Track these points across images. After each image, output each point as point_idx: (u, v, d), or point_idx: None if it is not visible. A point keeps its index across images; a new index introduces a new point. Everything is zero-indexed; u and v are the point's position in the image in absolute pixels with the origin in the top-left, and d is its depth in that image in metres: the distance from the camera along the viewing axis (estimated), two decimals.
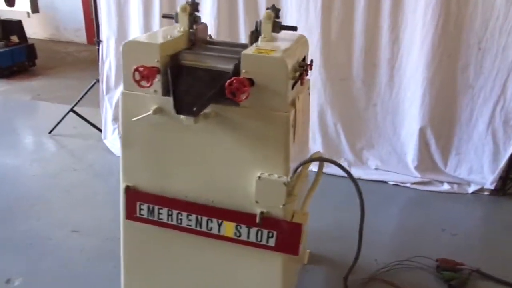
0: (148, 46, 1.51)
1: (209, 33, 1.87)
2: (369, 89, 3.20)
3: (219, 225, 1.67)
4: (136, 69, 1.46)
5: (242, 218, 1.62)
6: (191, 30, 1.70)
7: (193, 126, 1.52)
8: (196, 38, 1.71)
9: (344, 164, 3.24)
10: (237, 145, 1.55)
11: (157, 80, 1.52)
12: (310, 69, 1.74)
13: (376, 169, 3.34)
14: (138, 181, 1.75)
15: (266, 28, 1.60)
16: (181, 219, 1.71)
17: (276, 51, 1.45)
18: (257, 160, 1.55)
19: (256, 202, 1.57)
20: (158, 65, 1.51)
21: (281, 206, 1.53)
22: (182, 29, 1.68)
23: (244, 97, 1.38)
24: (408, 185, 3.24)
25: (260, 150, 1.53)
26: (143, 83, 1.47)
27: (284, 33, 1.73)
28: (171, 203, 1.70)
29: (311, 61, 1.73)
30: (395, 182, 3.27)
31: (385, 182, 3.29)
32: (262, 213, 1.58)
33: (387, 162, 3.34)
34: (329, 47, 3.10)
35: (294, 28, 1.66)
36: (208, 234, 1.69)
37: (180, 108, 1.44)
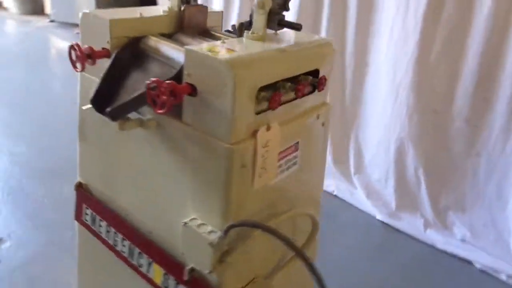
0: (99, 22, 1.19)
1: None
2: (473, 132, 2.38)
3: (149, 264, 1.29)
4: (71, 47, 1.15)
5: (172, 266, 1.21)
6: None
7: (134, 133, 1.17)
8: (184, 22, 1.33)
9: (418, 222, 2.54)
10: (177, 170, 1.14)
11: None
12: (320, 88, 1.21)
13: (462, 240, 2.50)
14: (90, 181, 1.47)
15: (258, 21, 1.13)
16: (116, 240, 1.38)
17: (232, 53, 0.99)
18: (194, 198, 1.12)
19: (182, 253, 1.15)
20: (108, 46, 1.19)
21: (206, 271, 1.08)
22: (168, 9, 1.32)
23: (162, 109, 0.96)
24: (503, 276, 2.32)
25: (199, 186, 1.10)
26: (77, 65, 1.16)
27: (293, 33, 1.24)
28: (112, 218, 1.38)
29: (323, 77, 1.20)
30: (485, 267, 2.37)
31: (470, 262, 2.42)
32: (192, 269, 1.15)
33: (479, 236, 2.47)
34: (427, 64, 2.36)
35: (296, 27, 1.15)
36: (137, 270, 1.33)
37: (95, 104, 1.09)
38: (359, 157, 2.81)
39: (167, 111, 0.96)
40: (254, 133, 1.04)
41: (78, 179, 1.50)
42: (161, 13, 1.31)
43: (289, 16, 1.17)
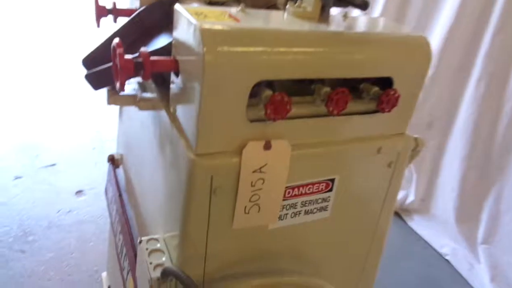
0: None
1: None
2: None
3: (128, 272, 1.06)
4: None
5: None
6: None
7: (141, 114, 0.95)
8: None
9: None
10: (159, 169, 0.87)
11: None
12: (384, 108, 0.77)
13: None
14: (120, 155, 1.33)
15: None
16: (116, 228, 1.20)
17: (230, 22, 0.65)
18: (165, 211, 0.84)
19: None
20: (137, 4, 0.98)
21: None
22: None
23: (118, 85, 0.70)
24: None
25: (169, 200, 0.81)
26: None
27: (370, 20, 0.83)
28: (121, 201, 1.21)
29: (392, 92, 0.76)
30: None
31: None
32: None
33: None
34: None
35: (363, 5, 0.74)
36: (121, 271, 1.12)
37: (86, 64, 0.88)
38: (495, 221, 2.08)
39: (121, 90, 0.69)
40: (242, 149, 0.69)
41: (114, 152, 1.38)
42: None
43: None
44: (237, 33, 0.64)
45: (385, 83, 0.78)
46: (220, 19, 0.66)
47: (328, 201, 0.84)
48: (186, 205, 0.71)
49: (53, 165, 2.29)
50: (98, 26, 0.98)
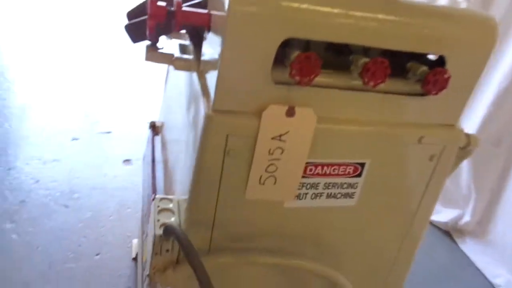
0: None
1: None
2: None
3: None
4: None
5: None
6: None
7: (181, 75, 0.94)
8: None
9: None
10: (185, 127, 0.85)
11: None
12: (431, 89, 0.68)
13: None
14: (162, 122, 1.34)
15: None
16: (145, 193, 1.20)
17: None
18: (182, 169, 0.81)
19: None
20: None
21: (146, 274, 0.77)
22: None
23: (148, 34, 0.68)
24: None
25: (186, 157, 0.78)
26: None
27: None
28: (153, 166, 1.21)
29: (441, 72, 0.66)
30: None
31: None
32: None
33: None
34: None
35: None
36: (142, 236, 1.13)
37: (128, 17, 0.88)
38: None
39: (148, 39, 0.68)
40: (259, 106, 0.64)
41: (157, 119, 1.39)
42: None
43: None
44: None
45: (436, 64, 0.70)
46: None
47: (355, 188, 0.76)
48: (197, 163, 0.67)
49: (109, 132, 2.39)
50: None
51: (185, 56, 0.89)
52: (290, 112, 0.65)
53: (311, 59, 0.59)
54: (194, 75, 0.78)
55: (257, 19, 0.58)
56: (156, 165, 1.16)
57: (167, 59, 0.88)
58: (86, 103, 2.66)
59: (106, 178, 2.04)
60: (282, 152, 0.67)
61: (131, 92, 2.92)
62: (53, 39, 3.53)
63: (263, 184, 0.70)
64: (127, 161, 2.20)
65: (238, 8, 0.57)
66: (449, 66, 0.68)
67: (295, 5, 0.59)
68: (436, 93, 0.68)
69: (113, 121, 2.52)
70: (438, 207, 2.02)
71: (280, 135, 0.66)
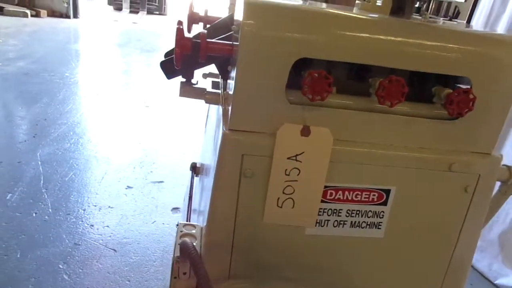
0: None
1: None
2: None
3: None
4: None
5: None
6: None
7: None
8: None
9: None
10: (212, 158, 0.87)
11: None
12: (456, 111, 0.65)
13: None
14: (202, 163, 1.38)
15: None
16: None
17: (279, 1, 0.63)
18: (207, 197, 0.82)
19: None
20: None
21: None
22: None
23: (175, 63, 0.73)
24: None
25: (210, 181, 0.79)
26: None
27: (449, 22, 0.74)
28: (189, 204, 1.23)
29: (466, 91, 0.64)
30: None
31: None
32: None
33: None
34: None
35: None
36: None
37: (165, 57, 0.95)
38: None
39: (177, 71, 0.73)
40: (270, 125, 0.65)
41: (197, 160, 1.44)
42: None
43: None
44: (282, 9, 0.63)
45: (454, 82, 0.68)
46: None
47: (381, 217, 0.72)
48: (215, 185, 0.69)
49: (161, 182, 2.49)
50: (189, 32, 1.07)
51: (215, 90, 0.94)
52: (305, 132, 0.65)
53: (322, 76, 0.60)
54: (221, 106, 0.83)
55: (269, 42, 0.61)
56: (192, 202, 1.19)
57: (199, 94, 0.94)
58: (142, 154, 2.83)
59: (154, 225, 2.10)
60: (299, 173, 0.67)
61: (183, 143, 3.06)
62: (113, 97, 3.87)
63: (281, 207, 0.69)
64: (175, 209, 2.26)
65: (250, 31, 0.61)
66: (475, 88, 0.66)
67: (306, 27, 0.62)
68: (462, 115, 0.65)
69: (166, 171, 2.64)
70: None
71: (296, 155, 0.66)
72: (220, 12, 1.14)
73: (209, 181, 0.79)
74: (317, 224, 0.71)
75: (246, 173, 0.67)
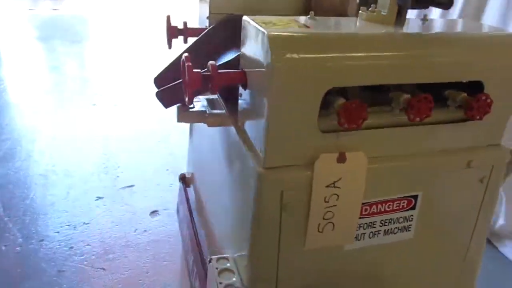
0: None
1: None
2: None
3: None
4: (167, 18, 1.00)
5: None
6: None
7: (214, 130, 0.95)
8: (312, 3, 1.01)
9: None
10: (231, 183, 0.85)
11: None
12: (476, 115, 0.68)
13: None
14: (191, 173, 1.34)
15: None
16: (188, 246, 1.20)
17: (299, 28, 0.62)
18: (235, 227, 0.81)
19: None
20: (207, 23, 1.00)
21: None
22: None
23: (186, 98, 0.69)
24: None
25: (239, 215, 0.78)
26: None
27: (452, 21, 0.76)
28: (191, 220, 1.21)
29: (484, 97, 0.67)
30: None
31: None
32: None
33: None
34: None
35: (447, 3, 0.67)
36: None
37: (157, 83, 0.90)
38: None
39: (187, 106, 0.69)
40: (314, 161, 0.65)
41: (185, 171, 1.40)
42: None
43: None
44: (307, 39, 0.61)
45: (472, 88, 0.70)
46: (289, 26, 0.64)
47: (411, 221, 0.76)
48: (255, 223, 0.68)
49: (131, 186, 2.40)
50: (170, 47, 1.01)
51: (217, 112, 0.90)
52: (342, 158, 0.65)
53: (358, 105, 0.60)
54: (232, 130, 0.80)
55: (301, 74, 0.59)
56: (195, 220, 1.16)
57: (200, 117, 0.90)
58: (103, 159, 2.69)
59: (136, 233, 2.04)
60: (337, 198, 0.67)
61: (146, 142, 2.95)
62: (53, 100, 3.61)
63: (322, 232, 0.70)
64: (154, 212, 2.20)
65: (282, 64, 0.58)
66: (488, 90, 0.69)
67: (336, 54, 0.60)
68: (481, 118, 0.68)
69: (134, 174, 2.54)
70: None
71: (334, 182, 0.66)
72: (198, 22, 1.08)
73: (238, 212, 0.77)
74: (355, 239, 0.73)
75: (287, 208, 0.66)
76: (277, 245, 0.69)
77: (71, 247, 1.92)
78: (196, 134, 1.26)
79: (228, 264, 0.78)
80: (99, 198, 2.28)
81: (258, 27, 0.62)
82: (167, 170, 2.63)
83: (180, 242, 1.87)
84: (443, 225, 0.79)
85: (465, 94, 0.69)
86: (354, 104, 0.59)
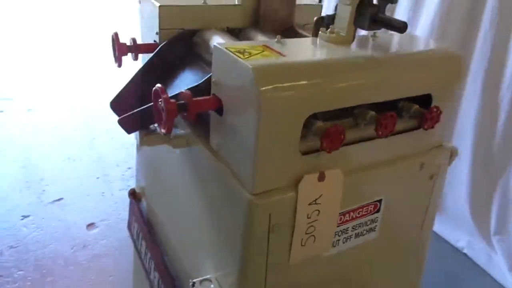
0: (151, 9, 0.97)
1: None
2: None
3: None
4: (113, 37, 0.95)
5: None
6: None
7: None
8: (260, 15, 1.03)
9: None
10: (201, 206, 0.85)
11: None
12: (427, 125, 0.77)
13: None
14: (142, 190, 1.30)
15: (342, 15, 0.76)
16: (149, 265, 1.17)
17: (275, 57, 0.64)
18: (215, 249, 0.82)
19: None
20: (157, 39, 0.96)
21: None
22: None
23: (163, 129, 0.68)
24: None
25: (220, 237, 0.79)
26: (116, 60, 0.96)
27: (400, 38, 0.83)
28: (151, 237, 1.18)
29: (434, 108, 0.76)
30: None
31: None
32: None
33: None
34: None
35: (397, 25, 0.73)
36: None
37: (115, 108, 0.87)
38: (505, 214, 2.10)
39: (168, 132, 0.68)
40: (297, 182, 0.68)
41: (134, 186, 1.35)
42: (232, 3, 1.03)
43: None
44: (288, 69, 0.63)
45: (421, 100, 0.78)
46: (265, 55, 0.65)
47: (376, 222, 0.83)
48: (245, 245, 0.69)
49: (60, 199, 2.23)
50: (120, 65, 0.96)
51: (182, 132, 0.89)
52: (321, 177, 0.69)
53: (337, 130, 0.64)
54: (203, 153, 0.79)
55: (285, 102, 0.62)
56: (156, 238, 1.14)
57: (164, 140, 0.88)
58: (23, 173, 2.46)
59: (75, 250, 1.92)
60: (318, 213, 0.72)
61: (70, 151, 2.74)
62: None
63: (304, 245, 0.74)
64: (90, 225, 2.08)
65: (269, 96, 0.60)
66: (436, 101, 0.78)
67: (315, 81, 0.63)
68: (433, 127, 0.77)
69: (60, 185, 2.37)
70: None
71: (316, 199, 0.70)
72: (140, 38, 1.03)
73: (220, 234, 0.78)
74: (331, 246, 0.79)
75: (274, 228, 0.69)
76: (265, 263, 0.71)
77: (1, 276, 1.75)
78: (146, 148, 1.21)
79: (212, 286, 0.79)
80: (24, 217, 2.10)
81: (238, 59, 0.63)
82: (97, 178, 2.50)
83: (127, 255, 1.80)
84: (402, 220, 0.88)
85: (417, 106, 0.77)
86: (333, 129, 0.63)
